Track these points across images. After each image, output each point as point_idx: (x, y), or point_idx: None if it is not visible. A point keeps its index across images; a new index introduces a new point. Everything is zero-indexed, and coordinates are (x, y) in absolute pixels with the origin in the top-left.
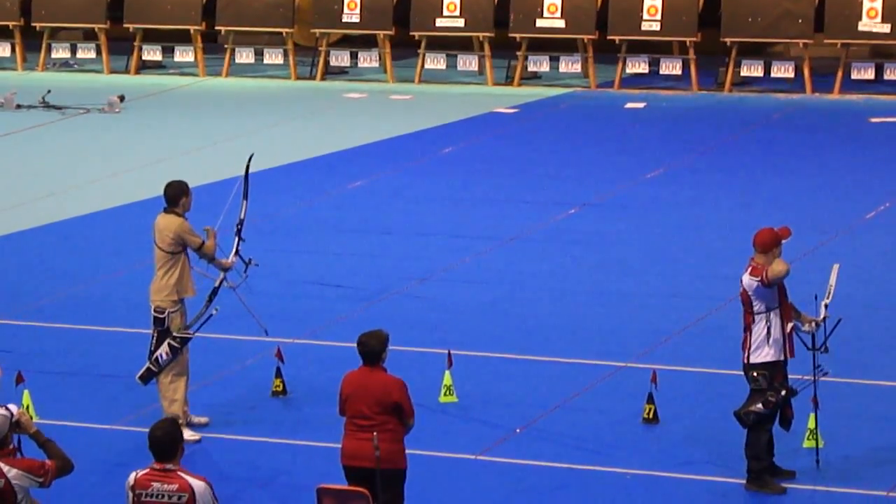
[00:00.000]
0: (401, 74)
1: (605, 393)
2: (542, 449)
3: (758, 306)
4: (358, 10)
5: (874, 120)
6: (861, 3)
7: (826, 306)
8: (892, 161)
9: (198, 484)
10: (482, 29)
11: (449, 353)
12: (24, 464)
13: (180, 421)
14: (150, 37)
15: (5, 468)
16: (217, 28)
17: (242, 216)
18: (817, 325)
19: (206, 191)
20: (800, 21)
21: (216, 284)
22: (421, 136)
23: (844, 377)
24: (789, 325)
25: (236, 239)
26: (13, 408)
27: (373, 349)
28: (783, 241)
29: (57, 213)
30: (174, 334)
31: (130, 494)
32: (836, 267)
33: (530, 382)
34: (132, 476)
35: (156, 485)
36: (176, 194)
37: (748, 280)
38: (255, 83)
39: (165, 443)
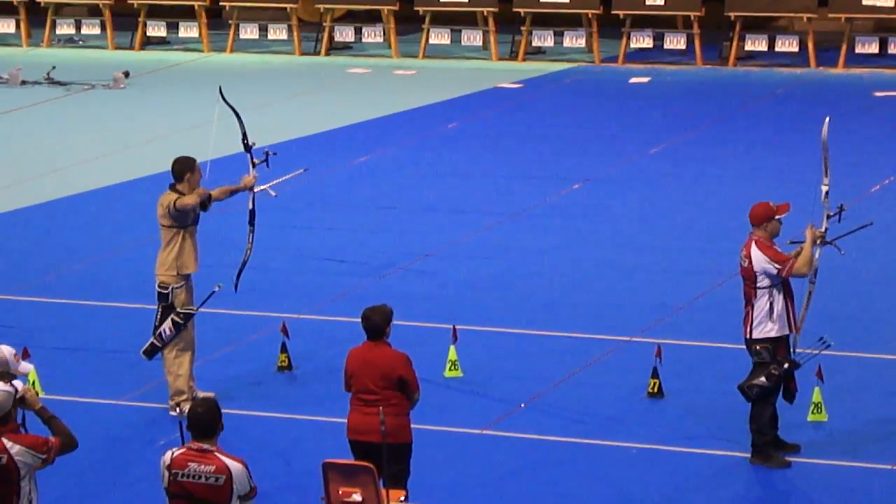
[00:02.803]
0: (405, 50)
1: (609, 367)
2: (547, 423)
3: (762, 282)
4: None
5: (878, 94)
6: None
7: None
8: None
9: (234, 465)
10: (486, 4)
11: (454, 328)
12: (27, 440)
13: (185, 396)
14: (155, 13)
15: (8, 444)
16: (221, 4)
17: (244, 131)
18: (822, 236)
19: (212, 166)
20: None
21: (251, 207)
22: (425, 111)
23: (848, 351)
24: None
25: (248, 155)
26: (18, 384)
27: (375, 324)
28: (779, 217)
29: (62, 189)
30: (178, 310)
31: (166, 473)
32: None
33: (535, 357)
34: (168, 455)
35: (192, 465)
36: (182, 170)
37: (760, 257)
38: (260, 59)
39: (207, 421)
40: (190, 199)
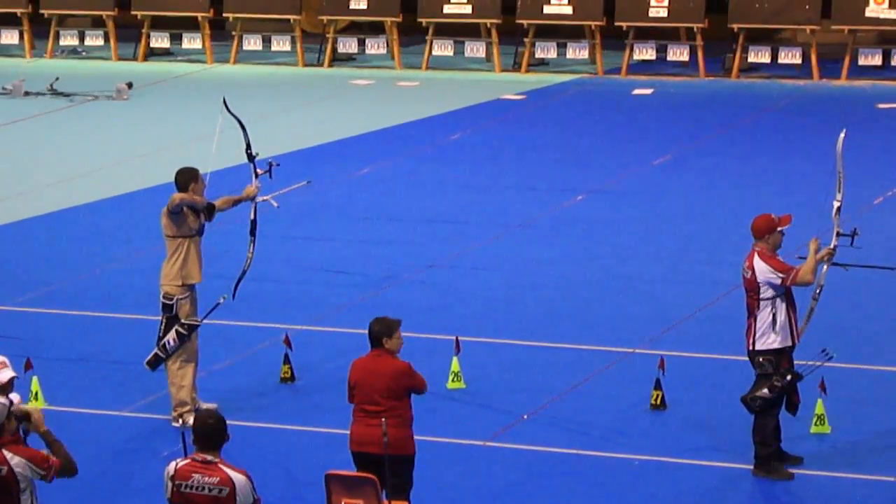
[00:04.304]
0: (408, 61)
1: (612, 379)
2: (550, 435)
3: (766, 293)
4: None
5: (881, 106)
6: None
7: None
8: None
9: (238, 477)
10: (489, 15)
11: (457, 340)
12: (28, 453)
13: (188, 407)
14: (158, 24)
15: (8, 455)
16: (225, 15)
17: (248, 141)
18: (830, 254)
19: (215, 177)
20: (807, 7)
21: (252, 216)
22: (428, 122)
23: (851, 362)
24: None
25: (251, 165)
26: (15, 396)
27: (373, 333)
28: (781, 229)
29: (65, 200)
30: (182, 321)
31: (170, 484)
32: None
33: (538, 369)
34: (172, 465)
35: (196, 476)
36: (185, 181)
37: (764, 267)
38: (263, 70)
39: (216, 432)
40: (177, 196)
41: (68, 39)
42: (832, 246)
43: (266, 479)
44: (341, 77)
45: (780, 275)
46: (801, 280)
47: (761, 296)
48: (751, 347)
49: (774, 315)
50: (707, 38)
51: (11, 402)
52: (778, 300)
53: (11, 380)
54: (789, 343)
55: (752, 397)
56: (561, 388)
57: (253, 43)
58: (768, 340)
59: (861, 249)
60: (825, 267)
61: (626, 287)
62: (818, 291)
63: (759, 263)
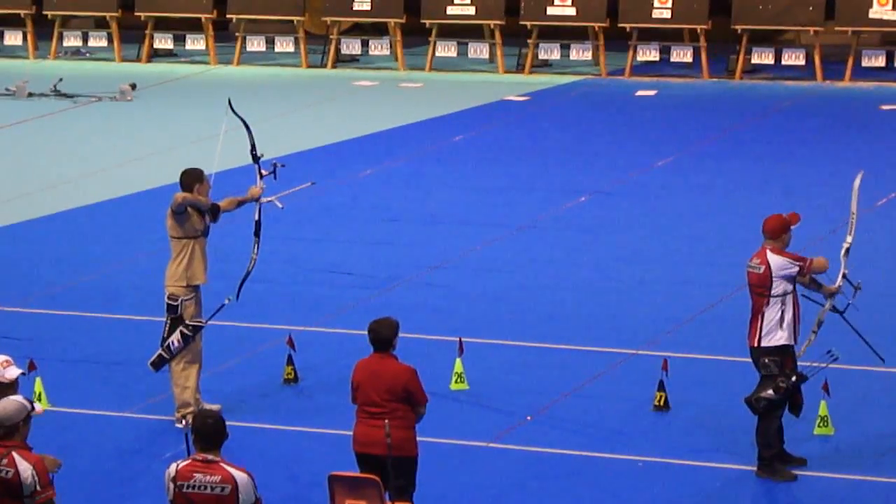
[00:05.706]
0: (411, 62)
1: (616, 380)
2: (553, 436)
3: (777, 289)
4: None
5: (885, 107)
6: None
7: (847, 252)
8: None
9: (240, 476)
10: (493, 17)
11: (460, 341)
12: (39, 466)
13: (191, 408)
14: (162, 25)
15: (17, 459)
16: (228, 16)
17: (253, 141)
18: (832, 294)
19: (220, 178)
20: (810, 8)
21: (257, 217)
22: (432, 124)
23: (855, 364)
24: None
25: (256, 166)
26: (38, 406)
27: (383, 336)
28: (792, 227)
29: (68, 202)
30: (186, 322)
31: (171, 486)
32: (856, 183)
33: (541, 370)
34: (173, 467)
35: (198, 476)
36: (190, 181)
37: (780, 260)
38: (266, 71)
39: (217, 431)
40: (180, 195)
41: (72, 40)
42: (837, 286)
43: (269, 480)
44: (345, 78)
45: (798, 264)
46: (816, 266)
47: (772, 292)
48: (755, 345)
49: (783, 312)
50: (710, 40)
51: (32, 406)
52: (787, 298)
53: (18, 377)
54: (793, 342)
55: (757, 398)
56: (564, 389)
57: (256, 44)
58: (775, 338)
59: (857, 308)
60: (827, 304)
61: (629, 288)
62: (817, 327)
63: (773, 258)
